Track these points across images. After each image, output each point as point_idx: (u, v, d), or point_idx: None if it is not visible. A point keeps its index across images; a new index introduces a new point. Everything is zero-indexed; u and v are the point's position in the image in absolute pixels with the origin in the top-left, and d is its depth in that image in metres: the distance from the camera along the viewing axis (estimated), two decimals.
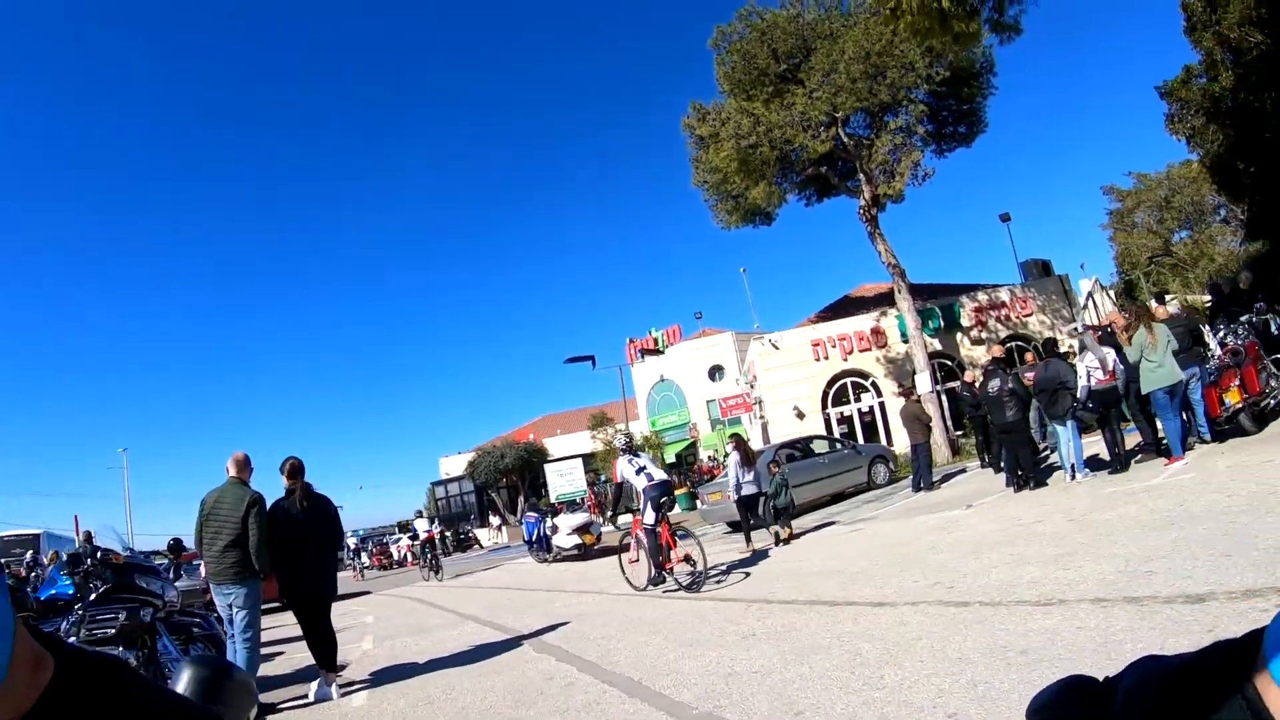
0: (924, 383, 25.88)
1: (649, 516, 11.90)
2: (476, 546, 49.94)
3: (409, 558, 44.85)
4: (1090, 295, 32.67)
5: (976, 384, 20.38)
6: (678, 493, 34.09)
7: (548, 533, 21.57)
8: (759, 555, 14.11)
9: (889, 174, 26.57)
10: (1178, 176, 43.85)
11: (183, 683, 0.82)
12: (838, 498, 20.93)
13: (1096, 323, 28.85)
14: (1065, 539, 8.54)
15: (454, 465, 62.02)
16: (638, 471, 12.16)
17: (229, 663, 0.86)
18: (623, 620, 9.95)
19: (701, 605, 9.87)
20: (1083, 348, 13.46)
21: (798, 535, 15.47)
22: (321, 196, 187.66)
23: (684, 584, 11.33)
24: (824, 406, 31.51)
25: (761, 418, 33.00)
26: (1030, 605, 6.30)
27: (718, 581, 11.76)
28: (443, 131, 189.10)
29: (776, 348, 31.58)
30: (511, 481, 55.26)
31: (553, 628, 10.40)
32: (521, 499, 49.04)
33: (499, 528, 52.53)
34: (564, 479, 27.84)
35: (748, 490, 15.54)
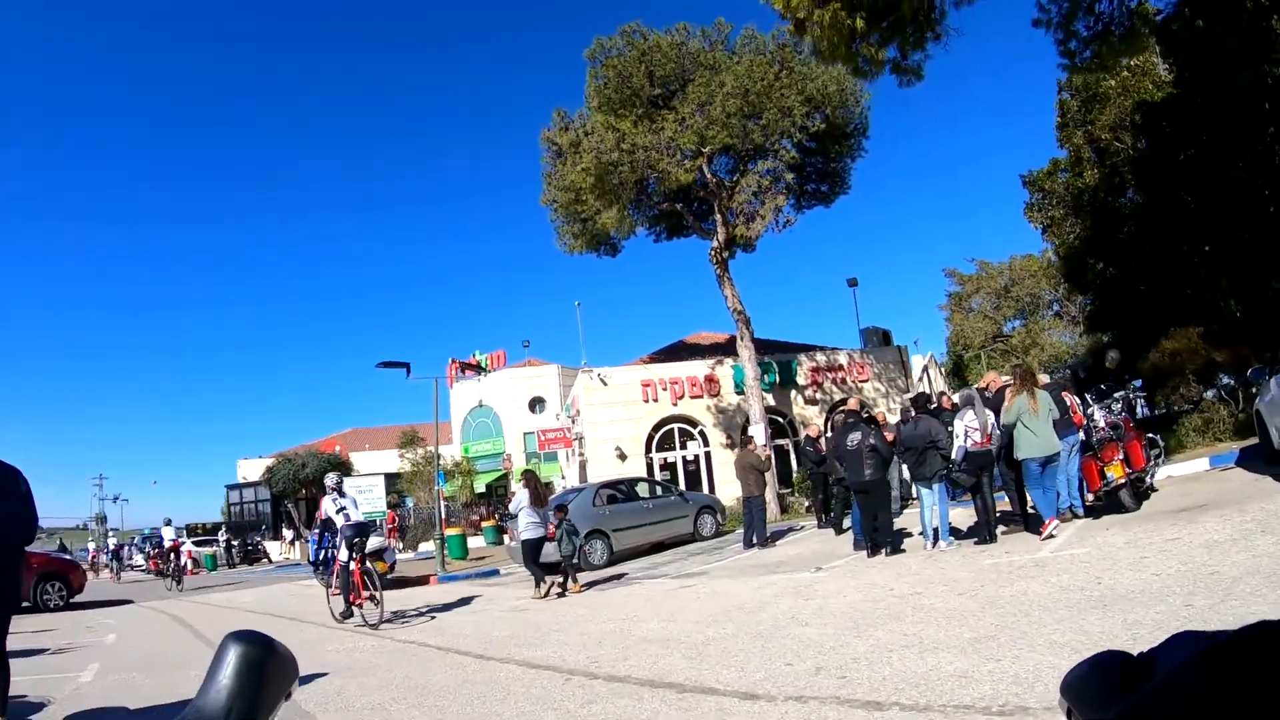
0: (759, 434, 24.48)
1: (342, 554, 12.58)
2: (265, 560, 45.62)
3: (189, 564, 41.28)
4: (925, 369, 32.38)
5: (821, 439, 19.07)
6: (485, 524, 31.70)
7: (335, 554, 18.75)
8: (570, 605, 12.03)
9: (749, 217, 25.37)
10: (1019, 268, 45.13)
11: (229, 659, 0.81)
12: (659, 547, 19.03)
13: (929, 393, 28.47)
14: (970, 619, 6.80)
15: (253, 470, 57.25)
16: (338, 511, 12.67)
17: (270, 637, 0.84)
18: (403, 681, 7.58)
19: (505, 671, 7.59)
20: (966, 403, 12.03)
21: (601, 583, 13.56)
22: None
23: (370, 622, 11.85)
24: (648, 450, 29.68)
25: (581, 455, 30.84)
26: (980, 713, 4.44)
27: (520, 636, 9.63)
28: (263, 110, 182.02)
29: (604, 383, 29.58)
30: (311, 494, 51.19)
31: (312, 679, 8.06)
32: (319, 513, 45.25)
33: (291, 542, 47.55)
34: (363, 496, 24.78)
35: (532, 533, 13.63)
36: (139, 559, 46.13)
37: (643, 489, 20.41)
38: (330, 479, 13.60)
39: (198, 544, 43.41)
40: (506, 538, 21.36)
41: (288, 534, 48.05)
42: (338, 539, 12.82)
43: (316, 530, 20.05)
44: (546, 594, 13.34)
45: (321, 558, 19.20)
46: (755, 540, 16.29)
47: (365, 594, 12.09)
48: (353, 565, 12.24)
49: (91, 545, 57.81)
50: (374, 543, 18.35)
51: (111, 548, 49.61)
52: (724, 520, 21.22)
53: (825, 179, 27.97)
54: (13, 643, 13.45)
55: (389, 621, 11.92)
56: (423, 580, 19.03)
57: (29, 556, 19.20)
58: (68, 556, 23.13)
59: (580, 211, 25.71)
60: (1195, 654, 0.52)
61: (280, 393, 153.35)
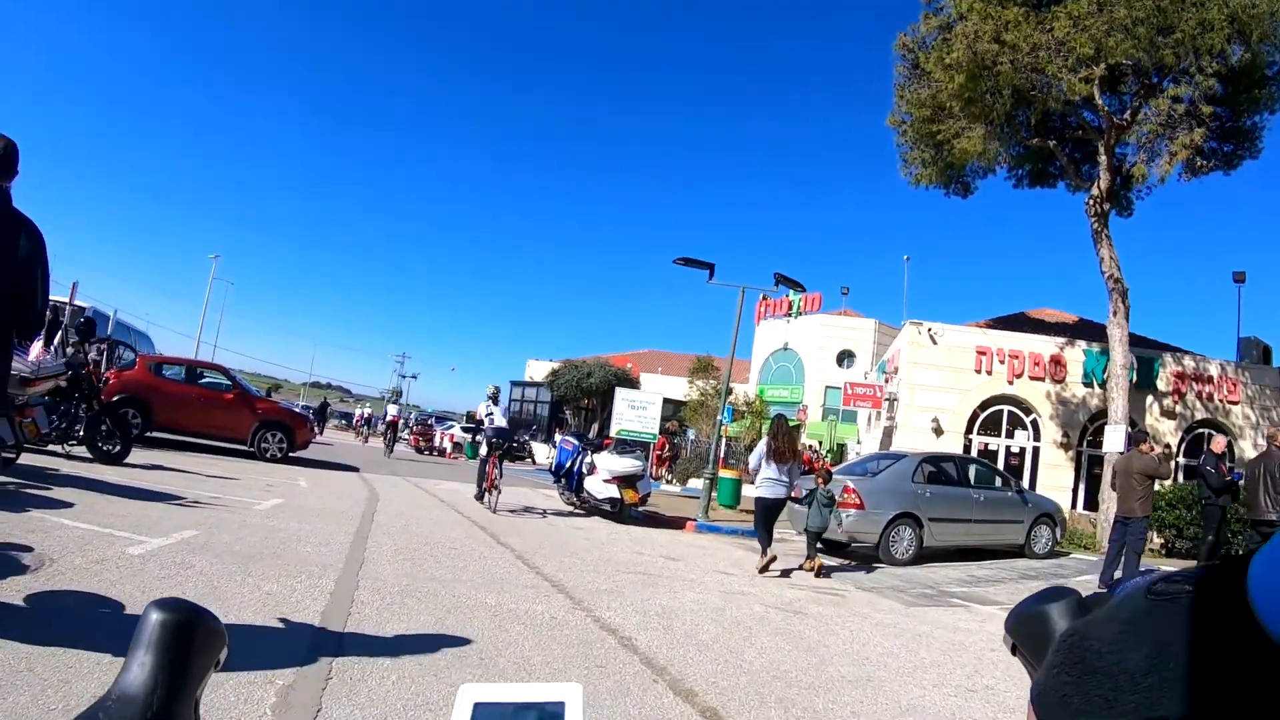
0: (1116, 440, 19.29)
1: (484, 449, 15.25)
2: (529, 460, 43.91)
3: (448, 448, 41.06)
4: None
5: (1225, 458, 13.99)
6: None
7: (583, 469, 15.84)
8: (866, 616, 8.07)
9: (1150, 155, 19.77)
10: None
11: (151, 631, 0.72)
12: (973, 554, 14.69)
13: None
14: None
15: (540, 371, 57.89)
16: (487, 415, 15.41)
17: (196, 606, 0.76)
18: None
19: None
20: None
21: (901, 585, 9.53)
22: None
23: (490, 506, 14.03)
24: (968, 430, 24.85)
25: (890, 420, 26.45)
26: None
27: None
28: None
29: (934, 341, 24.72)
30: (591, 405, 50.22)
31: (441, 646, 5.27)
32: (596, 426, 43.47)
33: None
34: (635, 413, 21.51)
35: (767, 491, 11.06)
36: (404, 434, 46.94)
37: (974, 473, 15.83)
38: (489, 389, 16.11)
39: (465, 429, 42.77)
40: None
41: (558, 438, 46.49)
42: (572, 453, 16.16)
43: (568, 439, 17.35)
44: (817, 571, 10.97)
45: (565, 470, 16.43)
46: (1124, 580, 11.69)
47: (492, 483, 14.30)
48: (490, 459, 14.58)
49: (356, 411, 61.33)
50: (627, 465, 15.40)
51: (365, 416, 53.45)
52: (1061, 535, 16.47)
53: (1229, 137, 21.30)
54: (165, 481, 11.03)
55: (513, 512, 14.31)
56: (678, 523, 15.77)
57: (254, 401, 18.43)
58: (296, 408, 22.41)
59: (936, 132, 21.12)
60: (1147, 582, 0.51)
61: (581, 302, 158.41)
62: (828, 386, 40.41)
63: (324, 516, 10.52)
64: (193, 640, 0.72)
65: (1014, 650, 0.77)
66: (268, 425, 18.04)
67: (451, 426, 45.36)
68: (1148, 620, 0.48)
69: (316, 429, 26.08)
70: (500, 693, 0.71)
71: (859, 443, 34.01)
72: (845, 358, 41.85)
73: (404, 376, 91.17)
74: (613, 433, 21.32)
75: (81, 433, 12.28)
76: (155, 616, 0.72)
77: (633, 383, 47.37)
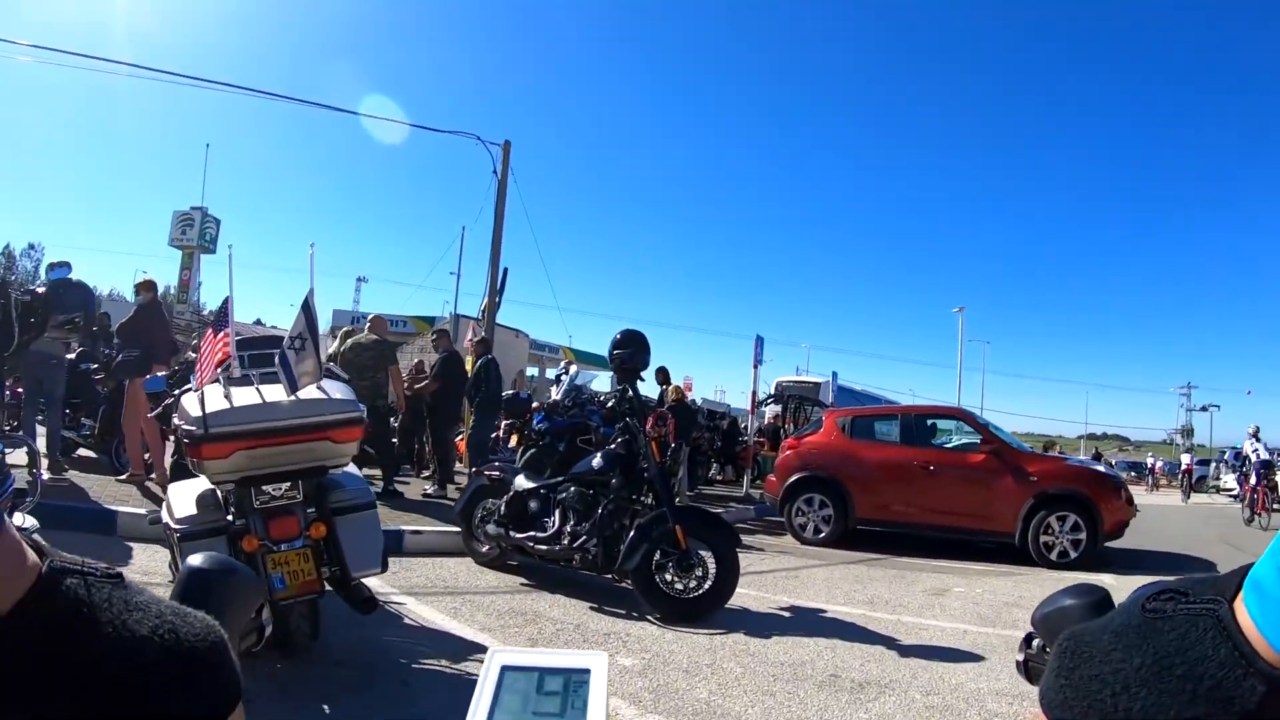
0: None
1: None
2: None
3: None
4: None
5: None
6: None
7: None
8: None
9: None
10: None
11: (185, 584, 0.73)
12: None
13: None
14: None
15: None
16: None
17: (229, 559, 0.77)
18: None
19: None
20: None
21: None
22: None
23: None
24: None
25: None
26: None
27: None
28: None
29: None
30: None
31: None
32: None
33: None
34: None
35: None
36: (1229, 480, 34.10)
37: None
38: None
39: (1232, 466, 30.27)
40: None
41: None
42: None
43: None
44: None
45: None
46: None
47: None
48: None
49: (1149, 461, 49.15)
50: None
51: (1150, 466, 43.09)
52: None
53: None
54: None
55: None
56: None
57: (1022, 462, 10.61)
58: (1100, 467, 13.94)
59: None
60: (1144, 594, 0.52)
61: None
62: None
63: None
64: (226, 592, 0.73)
65: (1027, 641, 0.83)
66: (1048, 502, 9.91)
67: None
68: (1140, 633, 0.49)
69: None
70: (528, 658, 0.68)
71: None
72: None
73: (1192, 410, 72.02)
74: None
75: (594, 550, 5.99)
76: (189, 568, 0.74)
77: None
